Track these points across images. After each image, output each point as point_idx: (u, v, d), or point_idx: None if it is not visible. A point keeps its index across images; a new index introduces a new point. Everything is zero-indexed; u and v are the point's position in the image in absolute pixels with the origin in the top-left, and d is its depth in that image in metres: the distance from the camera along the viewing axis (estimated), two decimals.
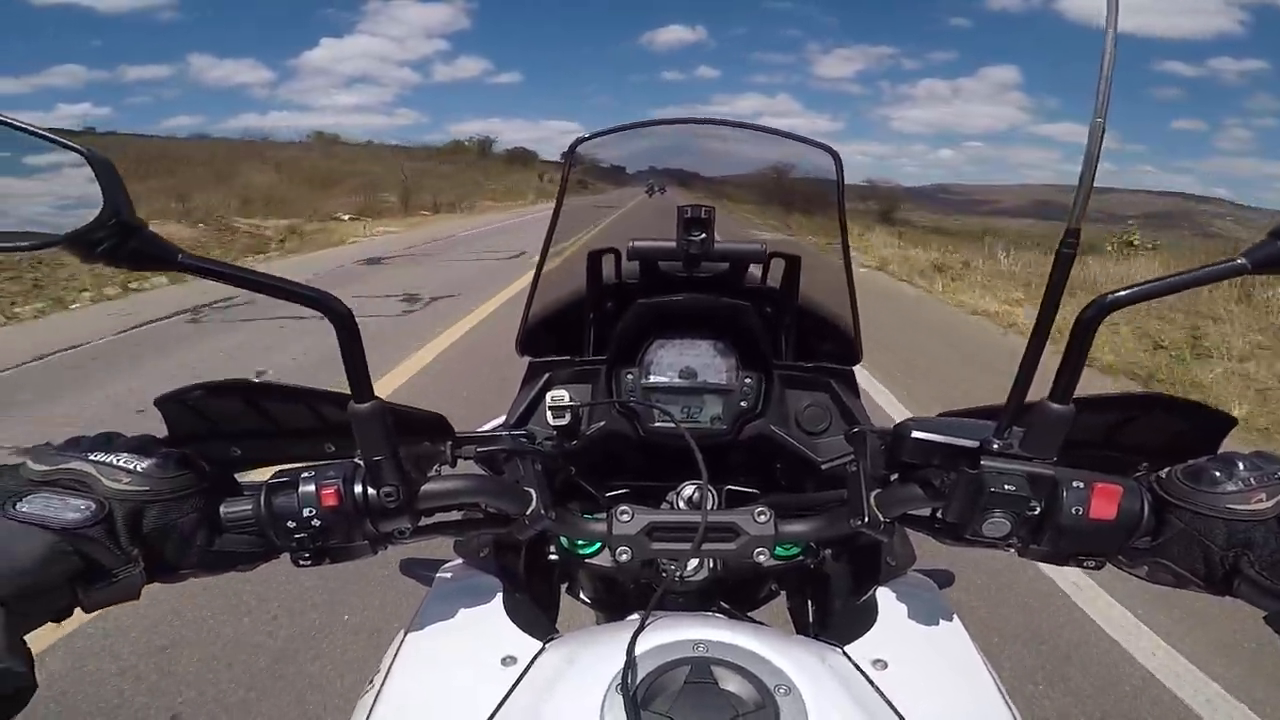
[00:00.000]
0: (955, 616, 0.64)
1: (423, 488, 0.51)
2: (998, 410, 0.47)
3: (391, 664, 0.58)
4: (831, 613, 0.80)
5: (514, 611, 0.62)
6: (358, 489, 0.49)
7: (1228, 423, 0.59)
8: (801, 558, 0.82)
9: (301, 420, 0.62)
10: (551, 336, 0.92)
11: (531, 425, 0.85)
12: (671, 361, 0.87)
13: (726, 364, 0.87)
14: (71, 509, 0.43)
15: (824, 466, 0.83)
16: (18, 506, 0.43)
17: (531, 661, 0.56)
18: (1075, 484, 0.47)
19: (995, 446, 0.46)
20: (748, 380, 0.85)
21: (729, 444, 0.86)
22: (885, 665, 0.56)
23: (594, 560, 0.81)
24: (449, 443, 0.62)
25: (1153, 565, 0.49)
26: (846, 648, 0.58)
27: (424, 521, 0.55)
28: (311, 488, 0.48)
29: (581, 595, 0.94)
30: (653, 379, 0.86)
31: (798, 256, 0.92)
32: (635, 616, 0.65)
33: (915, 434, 0.51)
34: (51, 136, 0.41)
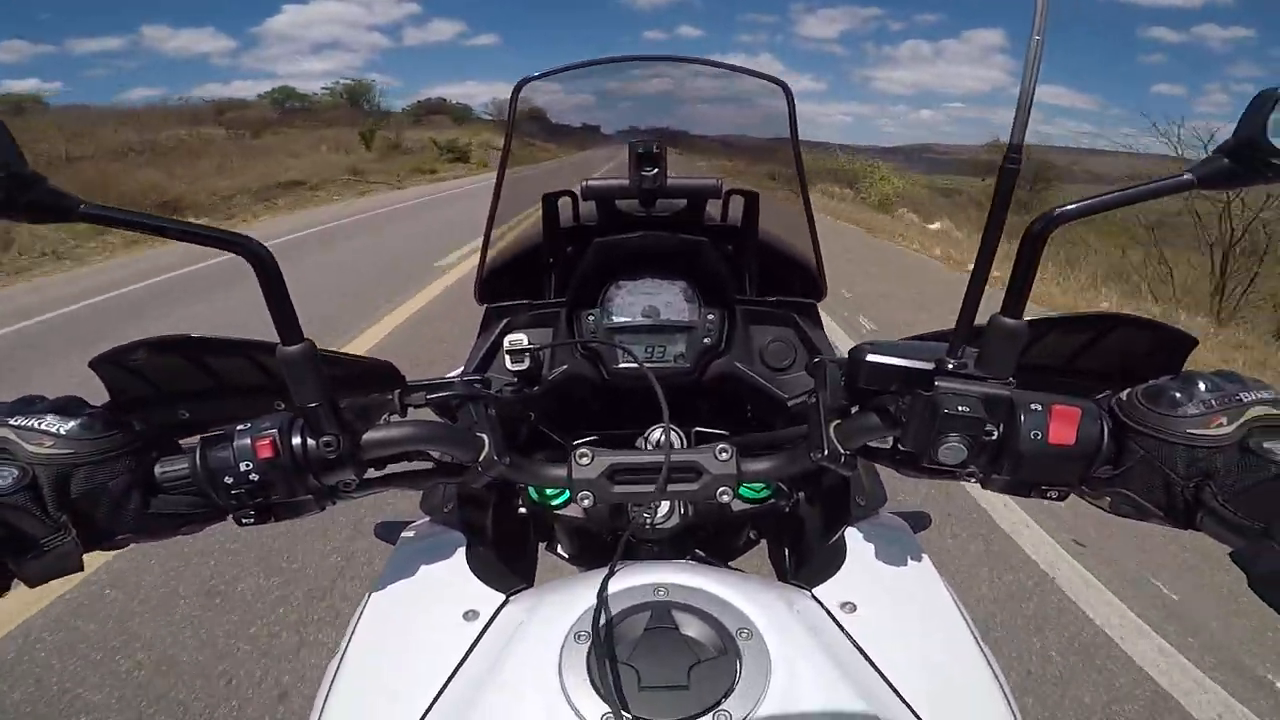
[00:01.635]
0: (925, 557, 0.63)
1: (365, 435, 0.49)
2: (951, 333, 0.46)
3: (355, 626, 0.57)
4: (803, 557, 0.80)
5: (477, 566, 0.62)
6: (295, 440, 0.47)
7: (1189, 342, 0.58)
8: (773, 500, 0.82)
9: (246, 376, 0.60)
10: (511, 282, 0.91)
11: (491, 373, 0.83)
12: (633, 301, 0.86)
13: (688, 302, 0.86)
14: None
15: (790, 403, 0.83)
16: None
17: (494, 615, 0.55)
18: (1033, 406, 0.45)
19: (950, 367, 0.45)
20: (710, 317, 0.85)
21: (694, 384, 0.85)
22: (854, 608, 0.55)
23: (564, 511, 0.81)
24: (397, 391, 0.60)
25: (1114, 496, 0.46)
26: (814, 590, 0.57)
27: (372, 474, 0.53)
28: (246, 441, 0.47)
29: (559, 550, 0.94)
30: (615, 319, 0.85)
31: (755, 192, 0.90)
32: (586, 573, 0.65)
33: (870, 358, 0.48)
34: None
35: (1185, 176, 0.41)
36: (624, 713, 0.42)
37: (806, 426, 0.59)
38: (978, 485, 0.50)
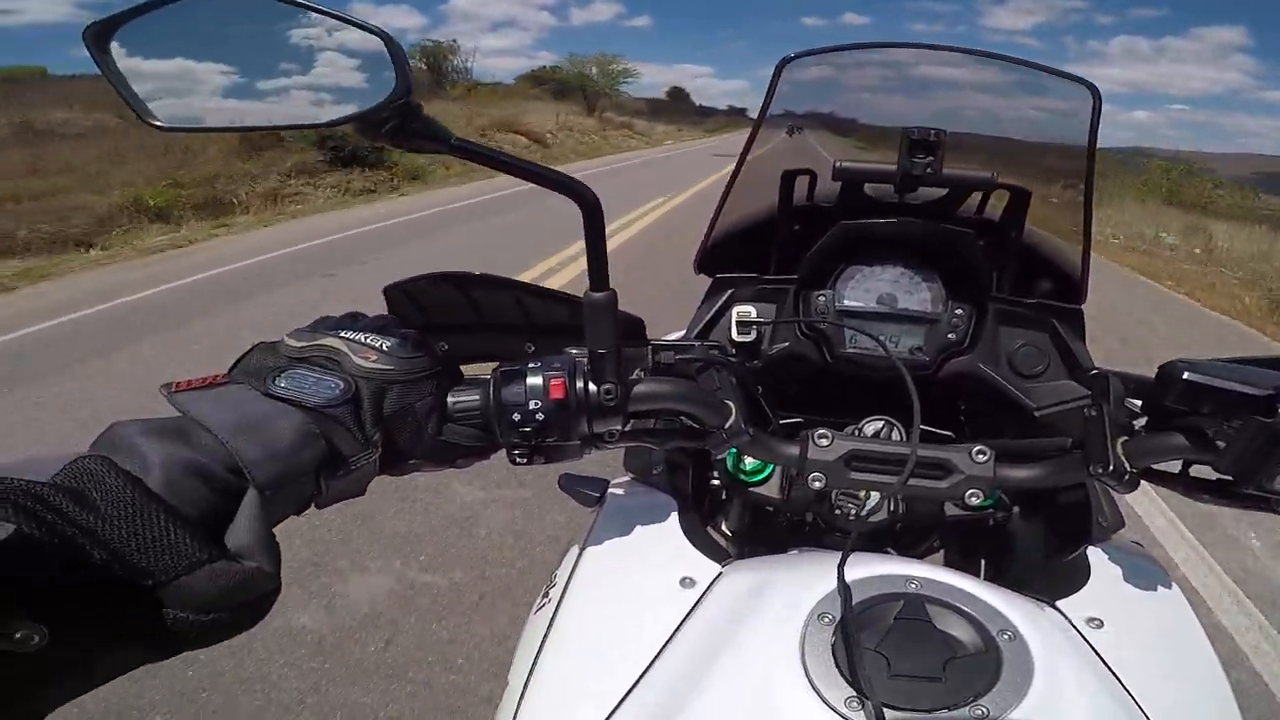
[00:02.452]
0: (1175, 584, 0.60)
1: (635, 388, 0.50)
2: None
3: (569, 579, 0.58)
4: (1010, 571, 0.76)
5: (691, 532, 0.61)
6: (579, 384, 0.49)
7: None
8: (992, 509, 0.77)
9: (506, 316, 0.62)
10: (731, 257, 0.90)
11: (709, 340, 0.83)
12: (870, 287, 0.83)
13: (932, 293, 0.82)
14: (325, 385, 0.43)
15: (1038, 413, 0.77)
16: (277, 382, 0.42)
17: (711, 585, 0.55)
18: None
19: None
20: (958, 311, 0.80)
21: (926, 380, 0.81)
22: (1100, 624, 0.53)
23: (759, 489, 0.80)
24: (649, 346, 0.61)
25: None
26: (1058, 603, 0.55)
27: (631, 426, 0.54)
28: (539, 379, 0.48)
29: (724, 527, 0.92)
30: (847, 302, 0.83)
31: (1027, 190, 0.83)
32: (811, 551, 0.62)
33: (1188, 376, 0.46)
34: (349, 18, 0.43)
35: None
36: (870, 698, 0.41)
37: (1068, 440, 0.57)
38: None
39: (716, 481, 0.84)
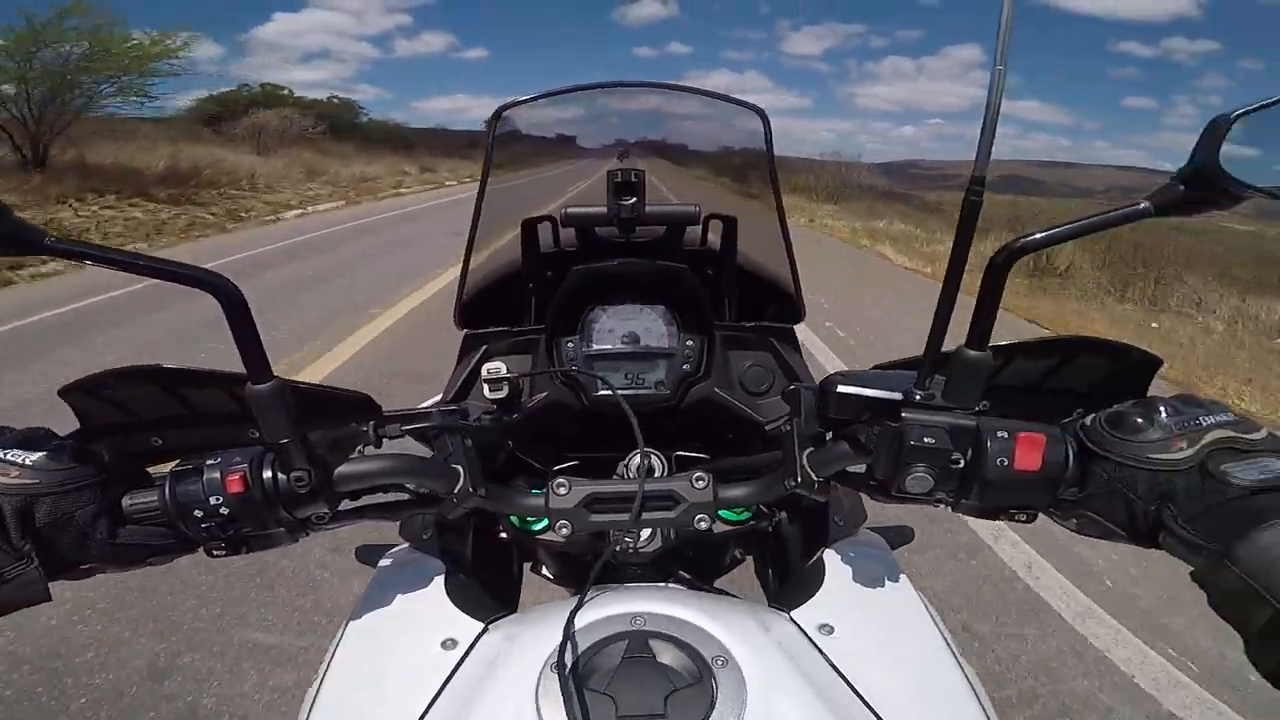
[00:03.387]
0: (903, 576, 0.64)
1: (338, 470, 0.50)
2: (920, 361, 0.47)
3: (333, 655, 0.57)
4: (785, 577, 0.81)
5: (456, 594, 0.61)
6: (266, 474, 0.47)
7: (1154, 362, 0.59)
8: (754, 521, 0.83)
9: (219, 405, 0.59)
10: (491, 308, 0.91)
11: (471, 400, 0.83)
12: (613, 327, 0.86)
13: (668, 328, 0.86)
14: None
15: (767, 427, 0.84)
16: None
17: (473, 644, 0.55)
18: (999, 434, 0.45)
19: (917, 398, 0.46)
20: (689, 343, 0.85)
21: (674, 409, 0.86)
22: (831, 630, 0.55)
23: (545, 536, 0.80)
24: (371, 423, 0.60)
25: (1080, 518, 0.47)
26: (793, 613, 0.58)
27: (348, 505, 0.53)
28: (216, 474, 0.47)
29: (544, 572, 0.93)
30: (594, 346, 0.85)
31: (734, 217, 0.92)
32: (555, 603, 0.64)
33: (840, 388, 0.49)
34: None
35: (1142, 205, 0.42)
36: None
37: (781, 453, 0.59)
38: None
39: (505, 536, 0.83)
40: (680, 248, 0.93)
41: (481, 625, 0.57)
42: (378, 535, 0.78)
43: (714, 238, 0.94)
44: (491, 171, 0.87)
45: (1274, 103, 0.40)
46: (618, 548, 0.73)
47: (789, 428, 0.58)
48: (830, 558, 0.65)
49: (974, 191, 0.41)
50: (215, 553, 0.50)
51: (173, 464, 0.49)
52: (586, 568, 0.86)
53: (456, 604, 0.60)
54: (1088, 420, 0.48)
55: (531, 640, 0.50)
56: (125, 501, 0.48)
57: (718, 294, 0.92)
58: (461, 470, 0.57)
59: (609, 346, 0.86)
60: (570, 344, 0.85)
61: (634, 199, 0.81)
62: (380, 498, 0.57)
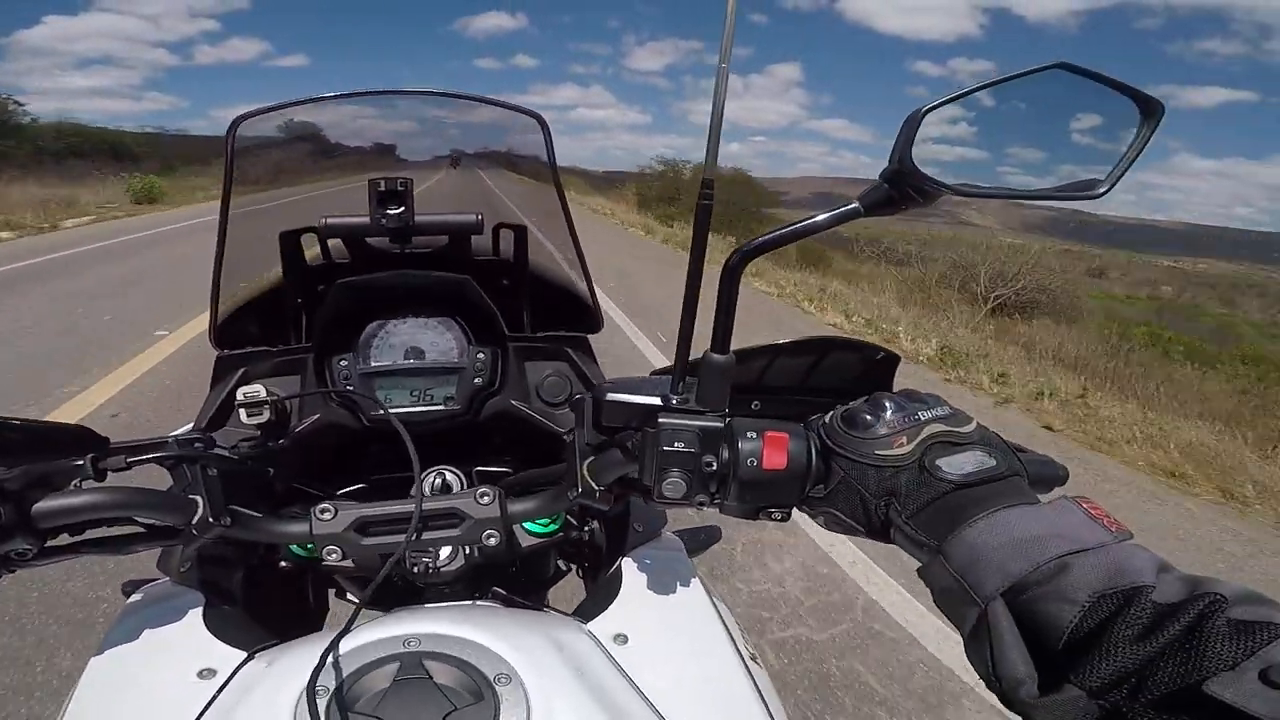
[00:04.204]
0: (696, 580, 0.64)
1: (38, 505, 0.47)
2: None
3: (75, 691, 0.53)
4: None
5: (215, 625, 0.58)
6: None
7: (893, 359, 0.63)
8: (562, 533, 0.80)
9: None
10: (253, 327, 0.83)
11: (230, 426, 0.76)
12: (395, 344, 0.82)
13: (457, 341, 0.83)
14: None
15: (566, 437, 0.82)
16: None
17: (234, 674, 0.52)
18: (749, 434, 0.46)
19: (673, 402, 0.46)
20: (480, 356, 0.82)
21: (472, 424, 0.82)
22: (626, 639, 0.56)
23: (330, 562, 0.74)
24: (90, 456, 0.54)
25: (826, 515, 0.48)
26: (590, 624, 0.57)
27: (62, 540, 0.50)
28: None
29: (349, 597, 0.88)
30: (373, 364, 0.80)
31: (523, 226, 0.89)
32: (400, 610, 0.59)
33: (609, 396, 0.49)
34: None
35: (853, 205, 0.44)
36: None
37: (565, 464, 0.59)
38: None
39: (286, 564, 0.77)
40: (468, 257, 0.88)
41: (244, 654, 0.54)
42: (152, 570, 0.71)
43: (507, 247, 0.90)
44: (244, 187, 0.79)
45: (960, 95, 0.43)
46: (414, 568, 0.70)
47: (570, 437, 0.57)
48: (628, 565, 0.66)
49: (705, 195, 0.41)
50: None
51: None
52: (394, 588, 0.80)
53: (216, 634, 0.57)
54: (826, 418, 0.48)
55: (293, 665, 0.48)
56: None
57: (515, 304, 0.88)
58: (200, 500, 0.54)
59: (389, 363, 0.81)
60: (344, 362, 0.79)
61: (401, 208, 0.76)
62: (106, 532, 0.53)
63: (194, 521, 0.54)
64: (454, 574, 0.72)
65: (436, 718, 0.43)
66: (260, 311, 0.84)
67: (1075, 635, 0.32)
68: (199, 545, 0.56)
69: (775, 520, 0.50)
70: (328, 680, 0.45)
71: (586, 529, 0.83)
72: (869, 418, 0.46)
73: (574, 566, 0.94)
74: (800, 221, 0.44)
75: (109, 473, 0.55)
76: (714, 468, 0.46)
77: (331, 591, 0.89)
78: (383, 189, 0.75)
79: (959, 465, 0.42)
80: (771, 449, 0.46)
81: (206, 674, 0.52)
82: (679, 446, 0.45)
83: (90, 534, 0.52)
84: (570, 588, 0.93)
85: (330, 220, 0.79)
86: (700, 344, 0.45)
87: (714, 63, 0.38)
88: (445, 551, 0.71)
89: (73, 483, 0.53)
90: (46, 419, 0.56)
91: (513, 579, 0.81)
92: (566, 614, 0.65)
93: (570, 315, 0.90)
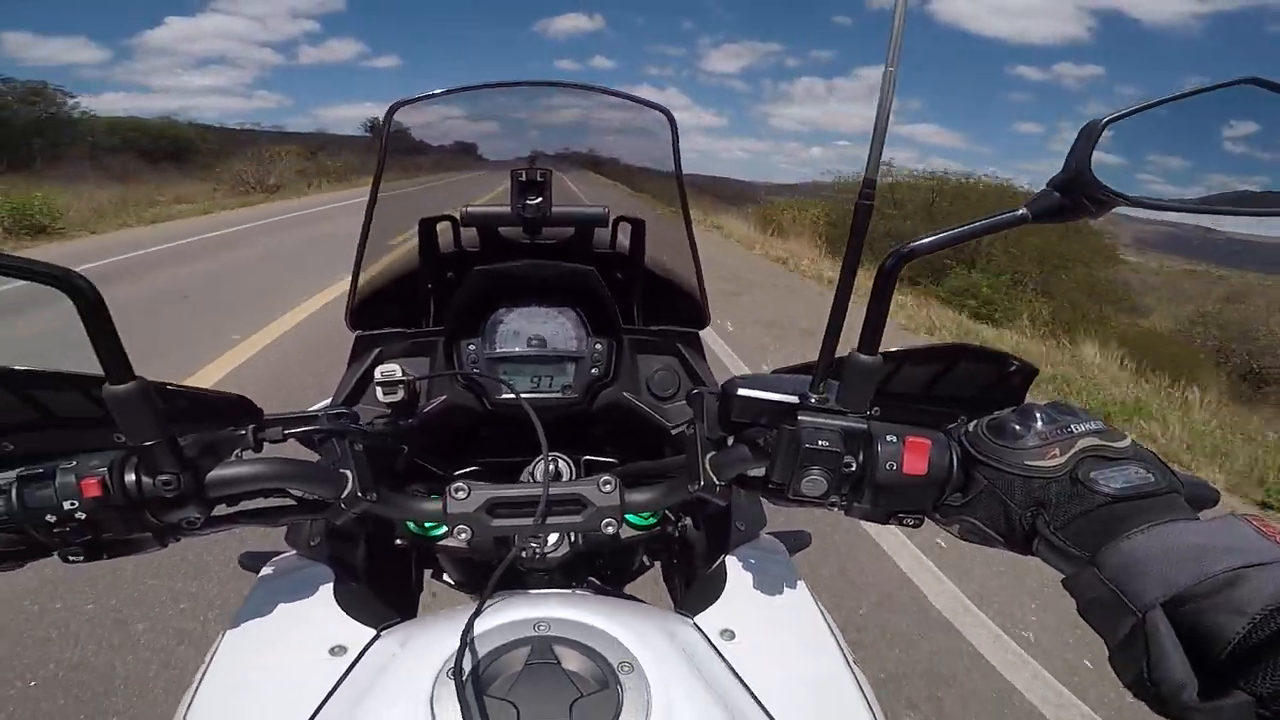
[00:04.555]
0: (801, 582, 0.65)
1: (210, 474, 0.48)
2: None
3: (210, 661, 0.55)
4: (691, 583, 0.80)
5: (345, 601, 0.59)
6: (129, 478, 0.45)
7: (1031, 371, 0.61)
8: (659, 527, 0.82)
9: (79, 408, 0.55)
10: (386, 309, 0.87)
11: (364, 404, 0.80)
12: (519, 330, 0.84)
13: (576, 331, 0.85)
14: None
15: (674, 431, 0.83)
16: None
17: (364, 651, 0.53)
18: (889, 438, 0.46)
19: (812, 401, 0.46)
20: (597, 346, 0.84)
21: (583, 413, 0.84)
22: (733, 635, 0.56)
23: (446, 542, 0.78)
24: (251, 426, 0.57)
25: (962, 523, 0.48)
26: (697, 618, 0.58)
27: (224, 510, 0.51)
28: (71, 478, 0.44)
29: (445, 579, 0.91)
30: (498, 349, 0.83)
31: (641, 220, 0.91)
32: (454, 609, 0.62)
33: (741, 391, 0.50)
34: None
35: (1020, 212, 0.43)
36: None
37: (685, 456, 0.59)
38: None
39: (402, 542, 0.81)
40: (589, 250, 0.91)
41: (374, 632, 0.55)
42: (269, 542, 0.74)
43: (624, 240, 0.93)
44: (386, 173, 0.84)
45: (1142, 108, 0.42)
46: (523, 553, 0.72)
47: (691, 431, 0.58)
48: (732, 563, 0.66)
49: (865, 195, 0.41)
50: (71, 559, 0.48)
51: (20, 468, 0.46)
52: (490, 574, 0.84)
53: (346, 610, 0.58)
54: (970, 426, 0.48)
55: (426, 645, 0.49)
56: None
57: (626, 297, 0.90)
58: (350, 475, 0.55)
59: (513, 349, 0.83)
60: (471, 346, 0.82)
61: (539, 199, 0.79)
62: (261, 503, 0.54)
63: (344, 496, 0.55)
64: (558, 560, 0.74)
65: (564, 704, 0.44)
66: (394, 295, 0.88)
67: (1242, 646, 0.32)
68: (336, 520, 0.57)
69: (907, 526, 0.50)
70: (463, 662, 0.46)
71: (681, 525, 0.84)
72: (1018, 428, 0.46)
73: (656, 562, 0.95)
74: (963, 225, 0.43)
75: (265, 444, 0.58)
76: (852, 469, 0.46)
77: (428, 572, 0.92)
78: (524, 179, 0.78)
79: (1114, 479, 0.42)
80: (912, 454, 0.46)
81: (338, 650, 0.53)
82: (822, 445, 0.45)
83: (244, 505, 0.54)
84: (643, 584, 0.94)
85: (471, 208, 0.82)
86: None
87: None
88: (553, 538, 0.73)
89: (234, 452, 0.56)
90: (206, 387, 0.59)
91: (601, 571, 0.83)
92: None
93: (679, 310, 0.92)
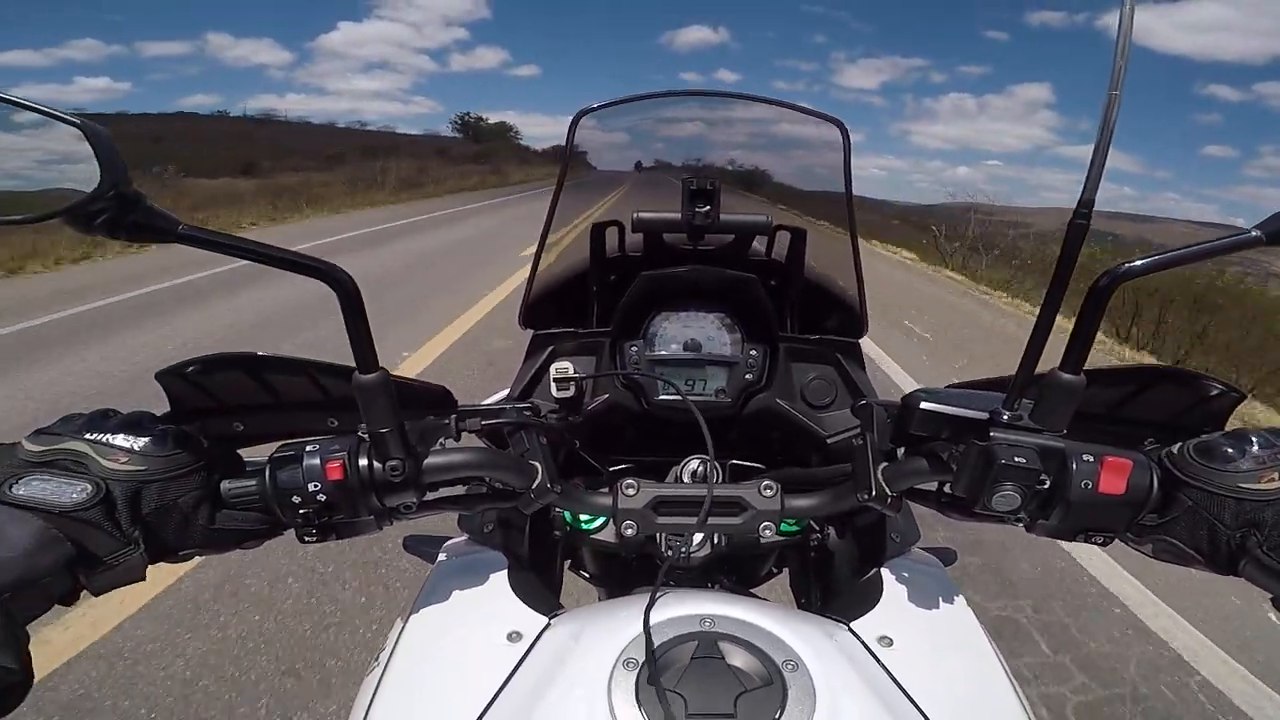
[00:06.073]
0: (960, 596, 0.64)
1: (427, 461, 0.51)
2: (1005, 381, 0.47)
3: (396, 643, 0.58)
4: (834, 590, 0.80)
5: (519, 587, 0.62)
6: (363, 462, 0.48)
7: (1237, 397, 0.58)
8: (802, 534, 0.82)
9: (303, 393, 0.61)
10: (555, 309, 0.92)
11: (535, 399, 0.84)
12: (676, 334, 0.87)
13: (731, 336, 0.86)
14: (69, 491, 0.42)
15: (829, 440, 0.83)
16: (13, 489, 0.41)
17: (538, 637, 0.56)
18: (1085, 457, 0.46)
19: (1005, 418, 0.46)
20: (753, 353, 0.85)
21: (733, 418, 0.86)
22: (890, 642, 0.56)
23: (598, 536, 0.81)
24: (453, 416, 0.62)
25: (1158, 542, 0.48)
26: (852, 624, 0.58)
27: (429, 496, 0.54)
28: (316, 461, 0.48)
29: (583, 571, 0.94)
30: (657, 351, 0.86)
31: (803, 229, 0.91)
32: (639, 592, 0.65)
33: (924, 405, 0.50)
34: (48, 110, 0.41)
35: (1253, 233, 0.41)
36: None
37: (849, 465, 0.59)
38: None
39: (557, 533, 0.84)
40: (747, 257, 0.92)
41: (545, 619, 0.58)
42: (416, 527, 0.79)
43: (781, 249, 0.93)
44: (548, 175, 0.89)
45: None
46: (669, 552, 0.74)
47: (860, 441, 0.58)
48: (888, 573, 0.66)
49: (1080, 215, 0.40)
50: (306, 539, 0.50)
51: (272, 450, 0.50)
52: (627, 569, 0.87)
53: (521, 597, 0.60)
54: (1174, 449, 0.49)
55: (602, 635, 0.51)
56: (224, 486, 0.49)
57: (782, 305, 0.91)
58: (539, 467, 0.58)
59: (670, 352, 0.86)
60: (634, 348, 0.85)
61: (709, 207, 0.81)
62: (458, 490, 0.58)
63: (534, 486, 0.57)
64: (700, 560, 0.75)
65: (729, 698, 0.44)
66: (563, 296, 0.93)
67: None
68: (526, 510, 0.60)
69: (1096, 544, 0.49)
70: (635, 652, 0.47)
71: (825, 534, 0.84)
72: (1230, 450, 0.46)
73: (783, 569, 0.95)
74: (1187, 247, 0.41)
75: (462, 433, 0.62)
76: (1045, 486, 0.46)
77: (567, 563, 0.95)
78: (694, 188, 0.81)
79: None
80: (1110, 474, 0.46)
81: (514, 636, 0.55)
82: (1019, 461, 0.44)
83: (445, 492, 0.56)
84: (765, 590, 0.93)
85: (642, 214, 0.86)
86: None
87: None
88: (697, 539, 0.75)
89: (439, 441, 0.60)
90: (413, 377, 0.62)
91: (733, 572, 0.83)
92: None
93: (836, 319, 0.91)
